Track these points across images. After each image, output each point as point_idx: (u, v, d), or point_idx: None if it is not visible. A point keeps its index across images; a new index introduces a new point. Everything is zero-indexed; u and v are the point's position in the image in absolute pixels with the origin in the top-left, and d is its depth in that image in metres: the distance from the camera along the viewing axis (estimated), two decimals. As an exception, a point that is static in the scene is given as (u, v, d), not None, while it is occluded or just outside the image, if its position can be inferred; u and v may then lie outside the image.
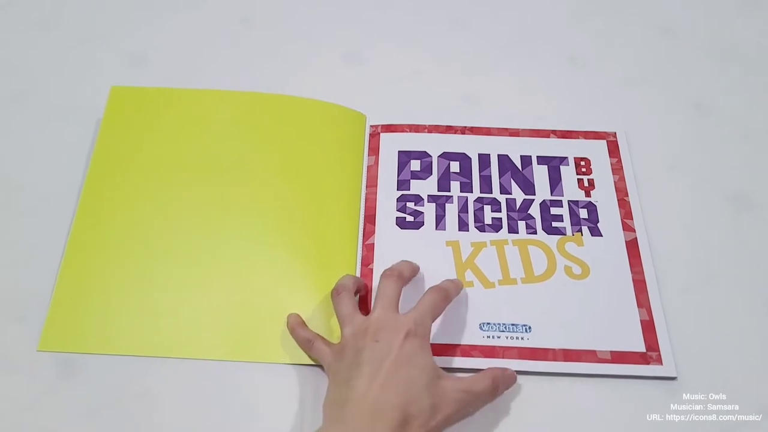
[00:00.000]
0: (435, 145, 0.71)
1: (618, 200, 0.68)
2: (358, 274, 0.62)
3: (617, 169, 0.70)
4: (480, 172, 0.69)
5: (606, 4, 0.85)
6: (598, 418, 0.56)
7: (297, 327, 0.58)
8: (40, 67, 0.77)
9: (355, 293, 0.59)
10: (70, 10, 0.82)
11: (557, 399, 0.57)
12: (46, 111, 0.73)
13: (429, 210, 0.66)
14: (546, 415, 0.56)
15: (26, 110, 0.73)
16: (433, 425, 0.49)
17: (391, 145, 0.71)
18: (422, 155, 0.70)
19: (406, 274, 0.59)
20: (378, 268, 0.62)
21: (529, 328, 0.60)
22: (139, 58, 0.77)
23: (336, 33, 0.80)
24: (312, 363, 0.58)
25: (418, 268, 0.61)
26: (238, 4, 0.83)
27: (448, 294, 0.58)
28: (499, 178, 0.69)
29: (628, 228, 0.66)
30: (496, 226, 0.66)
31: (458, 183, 0.68)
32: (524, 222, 0.66)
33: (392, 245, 0.64)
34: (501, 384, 0.54)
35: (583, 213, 0.67)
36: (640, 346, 0.59)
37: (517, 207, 0.67)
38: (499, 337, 0.59)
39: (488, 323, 0.60)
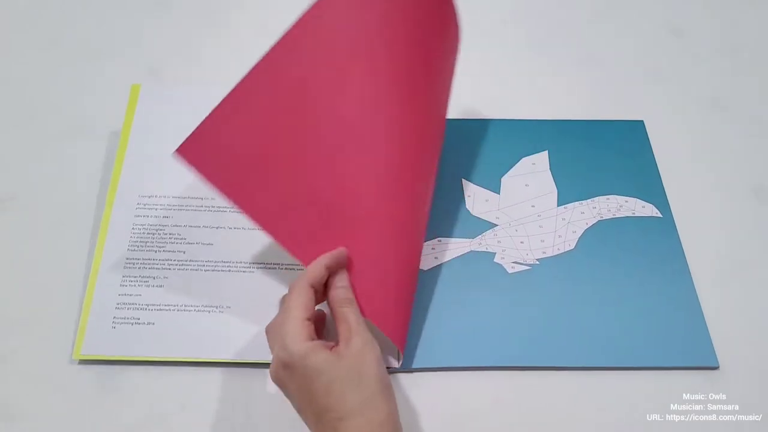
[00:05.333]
0: None
1: None
2: None
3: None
4: None
5: (616, 7, 0.86)
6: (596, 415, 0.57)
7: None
8: (50, 84, 0.77)
9: None
10: (77, 26, 0.82)
11: (560, 395, 0.58)
12: (58, 128, 0.73)
13: None
14: (545, 412, 0.57)
15: (40, 128, 0.73)
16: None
17: None
18: None
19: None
20: None
21: None
22: (150, 73, 0.78)
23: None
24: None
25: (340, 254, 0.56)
26: (252, 16, 0.84)
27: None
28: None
29: None
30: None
31: None
32: None
33: None
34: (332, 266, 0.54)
35: None
36: None
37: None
38: None
39: None
